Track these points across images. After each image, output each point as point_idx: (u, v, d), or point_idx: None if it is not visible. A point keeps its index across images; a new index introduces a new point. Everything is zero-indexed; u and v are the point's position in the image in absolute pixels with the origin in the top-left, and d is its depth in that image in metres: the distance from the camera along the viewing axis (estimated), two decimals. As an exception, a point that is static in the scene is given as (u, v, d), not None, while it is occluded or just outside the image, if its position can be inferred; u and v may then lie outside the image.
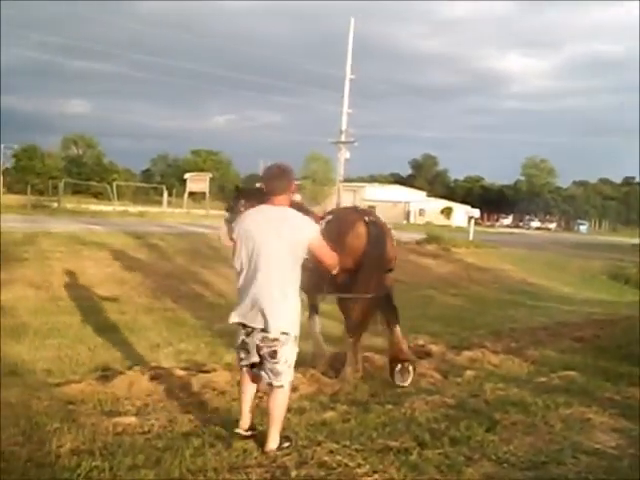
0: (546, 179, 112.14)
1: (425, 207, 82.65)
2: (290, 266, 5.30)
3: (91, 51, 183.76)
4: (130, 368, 7.72)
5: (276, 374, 5.29)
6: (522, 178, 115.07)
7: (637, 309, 13.57)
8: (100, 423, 5.72)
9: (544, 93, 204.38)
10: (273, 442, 5.27)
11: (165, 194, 52.99)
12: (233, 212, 8.28)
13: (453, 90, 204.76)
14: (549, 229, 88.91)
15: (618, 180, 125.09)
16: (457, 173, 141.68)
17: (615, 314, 14.47)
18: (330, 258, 5.68)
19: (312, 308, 8.12)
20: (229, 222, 8.19)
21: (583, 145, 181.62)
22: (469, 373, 8.23)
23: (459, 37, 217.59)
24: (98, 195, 59.22)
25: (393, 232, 8.42)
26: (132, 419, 5.89)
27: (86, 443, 5.23)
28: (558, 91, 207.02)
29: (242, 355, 5.45)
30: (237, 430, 5.55)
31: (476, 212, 46.29)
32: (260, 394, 6.08)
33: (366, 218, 7.72)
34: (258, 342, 5.27)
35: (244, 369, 5.55)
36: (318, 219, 7.06)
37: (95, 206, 43.59)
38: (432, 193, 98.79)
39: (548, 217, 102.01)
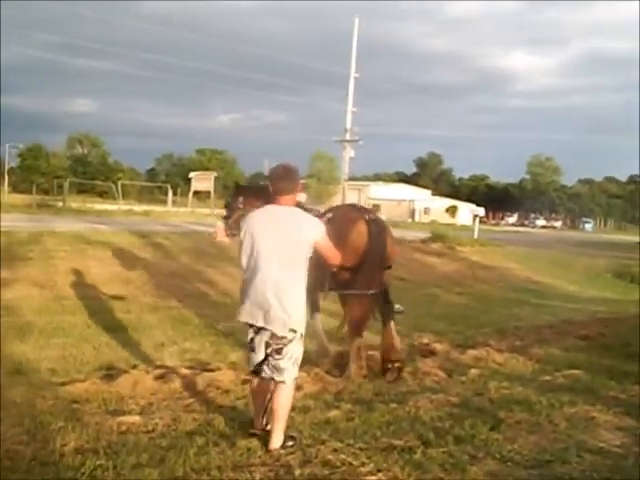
0: (551, 177, 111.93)
1: (430, 206, 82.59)
2: (297, 265, 5.35)
3: (96, 50, 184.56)
4: (135, 367, 7.75)
5: (279, 370, 5.32)
6: (527, 176, 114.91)
7: (642, 307, 13.57)
8: (104, 422, 5.73)
9: (549, 91, 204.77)
10: (277, 440, 5.28)
11: (170, 193, 53.12)
12: (231, 209, 8.29)
13: (458, 89, 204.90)
14: (554, 227, 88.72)
15: (623, 178, 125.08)
16: (462, 171, 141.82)
17: (620, 312, 14.46)
18: (335, 257, 5.81)
19: (313, 306, 8.11)
20: (226, 219, 8.22)
21: (588, 143, 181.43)
22: (473, 372, 8.23)
23: (464, 36, 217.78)
24: (103, 194, 59.34)
25: (393, 230, 8.43)
26: (136, 418, 5.90)
27: (90, 442, 5.25)
28: (563, 89, 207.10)
29: (251, 354, 5.48)
30: (252, 430, 5.58)
31: (481, 210, 46.39)
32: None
33: (366, 216, 7.76)
34: (267, 339, 5.32)
35: (254, 380, 5.61)
36: (320, 218, 7.07)
37: (100, 205, 43.61)
38: (437, 192, 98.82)
39: (553, 215, 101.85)
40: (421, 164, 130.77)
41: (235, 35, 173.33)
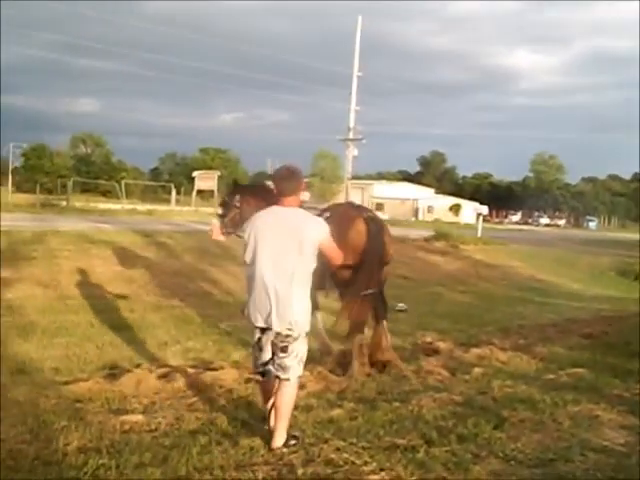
0: (555, 175, 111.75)
1: (433, 204, 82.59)
2: (301, 265, 5.38)
3: (99, 50, 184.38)
4: (138, 366, 7.75)
5: (284, 368, 5.36)
6: (531, 174, 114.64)
7: (646, 305, 13.55)
8: (107, 421, 5.74)
9: (553, 89, 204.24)
10: (280, 439, 5.29)
11: (173, 192, 53.07)
12: (227, 208, 8.29)
13: (461, 87, 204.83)
14: (558, 226, 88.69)
15: (627, 176, 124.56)
16: (465, 170, 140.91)
17: (624, 310, 14.43)
18: (339, 258, 5.84)
19: (313, 304, 8.12)
20: (222, 217, 8.22)
21: (592, 141, 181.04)
22: (477, 370, 8.22)
23: (468, 34, 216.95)
24: (107, 193, 59.30)
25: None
26: (139, 417, 5.92)
27: (93, 441, 5.26)
28: (567, 87, 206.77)
29: (257, 354, 5.50)
30: (267, 427, 5.59)
31: (484, 209, 46.26)
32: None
33: (364, 215, 7.81)
34: (272, 339, 5.36)
35: (262, 381, 5.63)
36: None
37: (104, 204, 43.66)
38: (440, 190, 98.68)
39: (557, 214, 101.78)
40: (424, 163, 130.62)
41: (238, 35, 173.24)
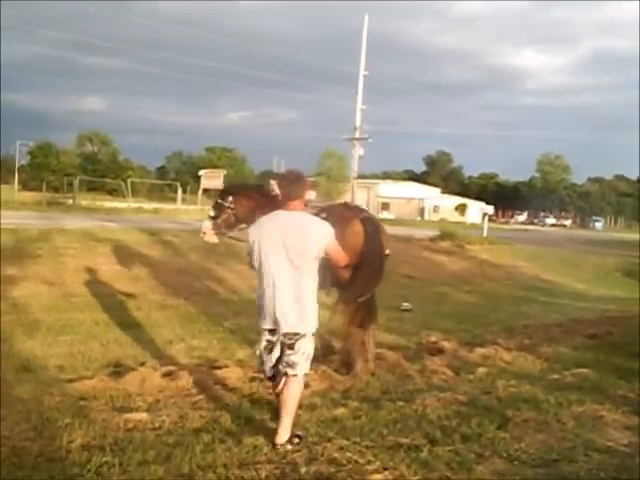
0: (561, 176, 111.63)
1: (439, 204, 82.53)
2: (308, 267, 5.50)
3: (106, 48, 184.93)
4: (142, 364, 7.76)
5: (292, 365, 5.45)
6: (537, 175, 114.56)
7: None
8: (111, 419, 5.76)
9: (559, 89, 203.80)
10: (284, 435, 5.33)
11: (179, 191, 53.13)
12: (219, 209, 8.29)
13: (469, 87, 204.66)
14: (564, 226, 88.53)
15: (634, 176, 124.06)
16: (471, 170, 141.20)
17: (629, 311, 14.38)
18: (343, 260, 6.01)
19: None
20: (214, 219, 8.22)
21: (598, 141, 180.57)
22: (481, 370, 8.21)
23: (475, 33, 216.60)
24: (113, 192, 59.39)
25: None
26: (143, 415, 5.93)
27: (97, 439, 5.27)
28: (573, 87, 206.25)
29: (265, 357, 5.59)
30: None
31: (490, 209, 46.18)
32: (269, 390, 6.20)
33: (361, 215, 7.85)
34: (282, 339, 5.48)
35: (272, 385, 5.75)
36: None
37: (110, 203, 43.68)
38: (446, 190, 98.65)
39: (563, 214, 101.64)
40: (430, 162, 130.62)
41: (245, 34, 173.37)
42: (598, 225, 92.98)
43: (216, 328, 10.32)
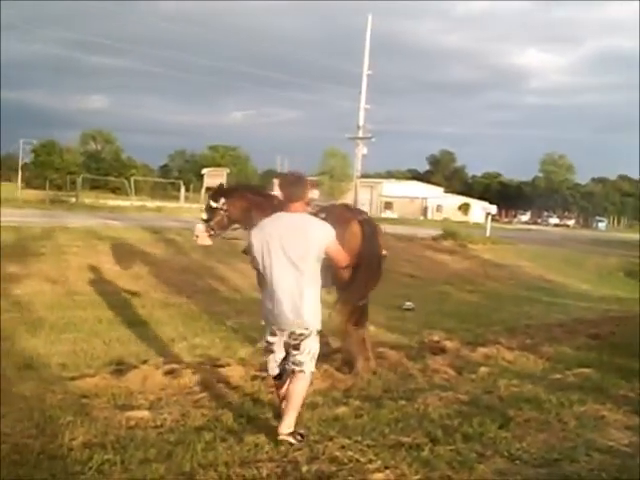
0: (565, 175, 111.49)
1: (442, 203, 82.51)
2: (310, 268, 5.56)
3: (109, 47, 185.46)
4: (144, 362, 7.78)
5: (298, 363, 5.54)
6: (540, 174, 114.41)
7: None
8: (113, 417, 5.77)
9: (563, 89, 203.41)
10: (287, 427, 5.38)
11: (182, 189, 53.15)
12: (212, 211, 8.31)
13: (472, 86, 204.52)
14: (567, 226, 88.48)
15: (637, 177, 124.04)
16: (475, 169, 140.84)
17: (631, 311, 14.37)
18: (344, 260, 6.08)
19: None
20: (207, 221, 8.24)
21: (602, 141, 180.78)
22: (483, 369, 8.21)
23: (478, 33, 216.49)
24: (116, 190, 59.49)
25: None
26: (145, 413, 5.94)
27: (98, 436, 5.28)
28: (577, 87, 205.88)
29: (270, 357, 5.70)
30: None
31: (493, 208, 46.22)
32: (271, 389, 6.28)
33: (359, 217, 7.90)
34: (286, 339, 5.57)
35: (276, 385, 5.83)
36: None
37: (113, 201, 43.73)
38: (450, 189, 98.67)
39: (567, 214, 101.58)
40: (434, 161, 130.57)
41: (248, 33, 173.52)
42: (601, 225, 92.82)
43: (218, 327, 10.33)
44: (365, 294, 7.74)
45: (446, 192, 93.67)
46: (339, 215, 7.76)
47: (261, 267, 5.63)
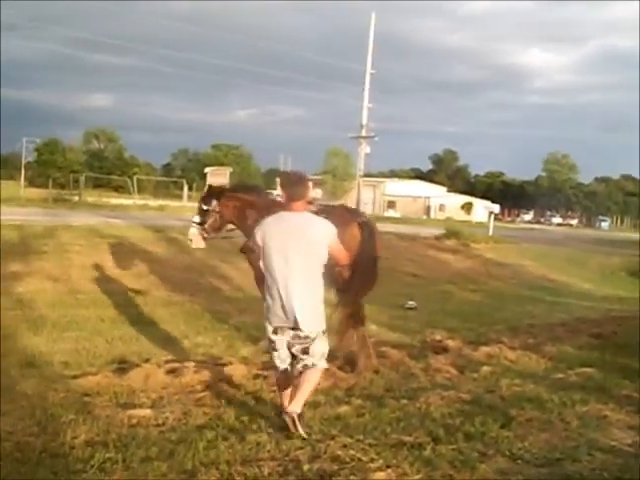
0: (568, 175, 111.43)
1: (445, 202, 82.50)
2: (313, 267, 5.63)
3: (113, 45, 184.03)
4: (147, 361, 7.77)
5: (311, 365, 5.63)
6: (543, 174, 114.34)
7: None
8: (115, 415, 5.77)
9: (566, 88, 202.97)
10: (296, 406, 5.51)
11: (185, 188, 53.18)
12: (204, 214, 8.31)
13: (476, 85, 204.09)
14: (571, 225, 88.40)
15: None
16: (478, 168, 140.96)
17: (634, 311, 14.33)
18: (345, 258, 6.16)
19: None
20: (200, 224, 8.24)
21: (605, 141, 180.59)
22: (485, 369, 8.21)
23: (481, 32, 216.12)
24: (119, 189, 59.56)
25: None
26: (147, 411, 5.95)
27: (100, 435, 5.28)
28: (580, 86, 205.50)
29: (275, 353, 5.73)
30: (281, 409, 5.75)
31: (495, 207, 46.04)
32: (272, 388, 6.29)
33: (359, 219, 7.98)
34: (289, 339, 5.60)
35: (280, 374, 5.80)
36: None
37: (116, 200, 43.69)
38: (452, 188, 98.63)
39: (570, 213, 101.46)
40: (437, 161, 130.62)
41: (252, 31, 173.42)
42: (604, 225, 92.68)
43: (221, 325, 10.33)
44: (362, 295, 7.79)
45: (449, 191, 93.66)
46: (339, 217, 7.78)
47: (263, 266, 5.68)
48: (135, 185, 48.88)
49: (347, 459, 4.95)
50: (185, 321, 10.48)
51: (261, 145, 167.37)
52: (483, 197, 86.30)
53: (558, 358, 9.08)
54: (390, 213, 70.83)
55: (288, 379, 5.73)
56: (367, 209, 61.60)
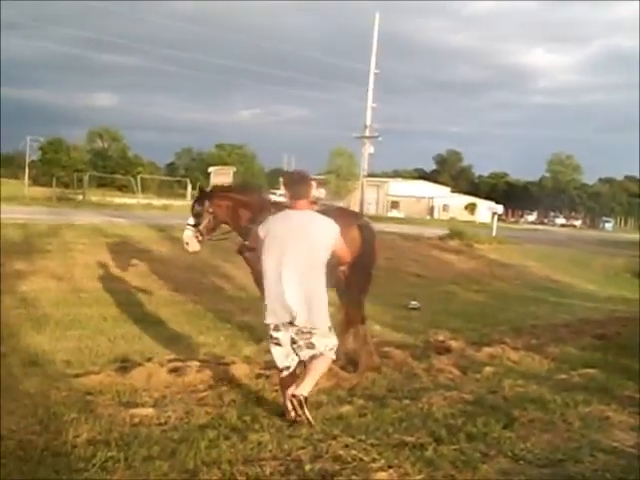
0: (571, 175, 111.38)
1: (449, 203, 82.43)
2: (317, 264, 5.68)
3: (117, 45, 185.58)
4: (149, 360, 7.78)
5: (319, 354, 5.75)
6: (547, 174, 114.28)
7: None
8: (117, 414, 5.77)
9: (570, 88, 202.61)
10: (304, 389, 5.62)
11: (189, 187, 53.28)
12: (199, 216, 8.33)
13: (479, 85, 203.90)
14: (574, 226, 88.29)
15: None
16: (481, 169, 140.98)
17: (637, 312, 14.32)
18: (348, 256, 6.23)
19: None
20: (195, 226, 8.25)
21: (609, 141, 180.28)
22: (488, 369, 8.19)
23: (485, 32, 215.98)
24: (122, 188, 59.63)
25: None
26: (149, 410, 5.94)
27: (102, 434, 5.28)
28: (584, 87, 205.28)
29: (277, 350, 5.79)
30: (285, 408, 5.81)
31: (499, 208, 46.06)
32: (275, 387, 6.31)
33: (358, 222, 8.00)
34: (293, 335, 5.68)
35: (283, 373, 5.86)
36: None
37: (119, 199, 43.77)
38: (456, 189, 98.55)
39: (573, 214, 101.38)
40: (440, 161, 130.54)
41: (256, 31, 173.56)
42: (608, 226, 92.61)
43: (223, 325, 10.34)
44: (361, 295, 7.85)
45: (453, 192, 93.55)
46: (339, 219, 7.80)
47: (265, 264, 5.70)
48: (139, 184, 48.93)
49: (349, 459, 4.94)
50: (188, 320, 10.49)
51: (265, 145, 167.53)
52: (487, 198, 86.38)
53: (561, 359, 9.07)
54: (394, 213, 70.85)
55: (292, 379, 5.75)
56: (370, 209, 61.79)
